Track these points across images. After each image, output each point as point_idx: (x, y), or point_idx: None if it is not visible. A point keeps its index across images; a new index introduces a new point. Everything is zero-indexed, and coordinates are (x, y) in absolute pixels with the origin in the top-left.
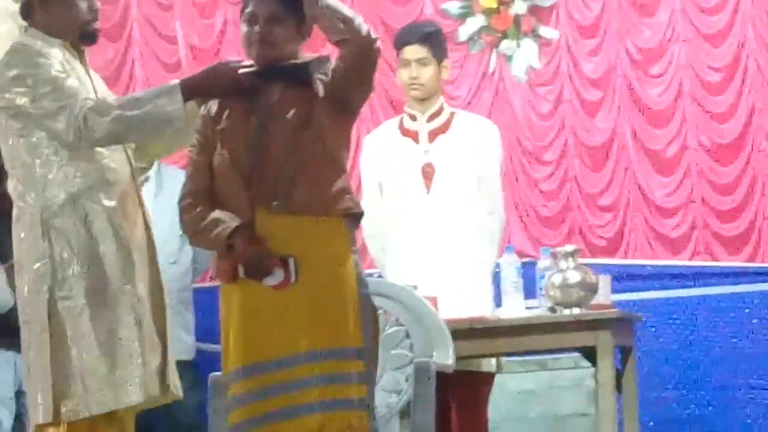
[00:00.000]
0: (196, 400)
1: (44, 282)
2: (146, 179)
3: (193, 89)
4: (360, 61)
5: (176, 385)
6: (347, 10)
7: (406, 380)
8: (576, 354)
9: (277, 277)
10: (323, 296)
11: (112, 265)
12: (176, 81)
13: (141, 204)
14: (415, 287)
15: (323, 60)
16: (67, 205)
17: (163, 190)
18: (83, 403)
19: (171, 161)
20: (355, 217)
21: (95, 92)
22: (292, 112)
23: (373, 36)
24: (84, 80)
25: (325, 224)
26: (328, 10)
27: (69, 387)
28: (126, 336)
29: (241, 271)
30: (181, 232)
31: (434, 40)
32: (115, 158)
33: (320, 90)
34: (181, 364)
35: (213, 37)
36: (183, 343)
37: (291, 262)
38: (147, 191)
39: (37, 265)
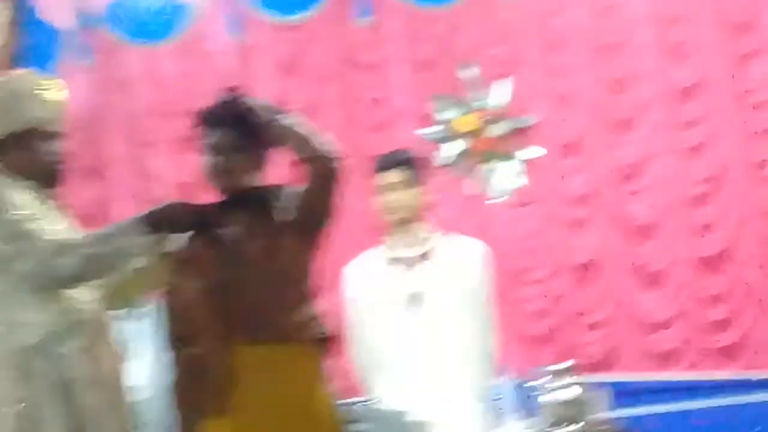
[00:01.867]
0: None
1: (22, 425)
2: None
3: (155, 223)
4: (321, 180)
5: None
6: (306, 128)
7: None
8: None
9: None
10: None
11: (88, 406)
12: (137, 215)
13: (109, 342)
14: (405, 413)
15: (282, 187)
16: (41, 348)
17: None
18: None
19: None
20: (325, 342)
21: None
22: (256, 242)
23: (333, 155)
24: (51, 220)
25: (295, 353)
26: (286, 130)
27: None
28: None
29: None
30: None
31: (409, 165)
32: (84, 297)
33: (282, 217)
34: None
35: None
36: None
37: None
38: (145, 328)
39: (15, 408)
